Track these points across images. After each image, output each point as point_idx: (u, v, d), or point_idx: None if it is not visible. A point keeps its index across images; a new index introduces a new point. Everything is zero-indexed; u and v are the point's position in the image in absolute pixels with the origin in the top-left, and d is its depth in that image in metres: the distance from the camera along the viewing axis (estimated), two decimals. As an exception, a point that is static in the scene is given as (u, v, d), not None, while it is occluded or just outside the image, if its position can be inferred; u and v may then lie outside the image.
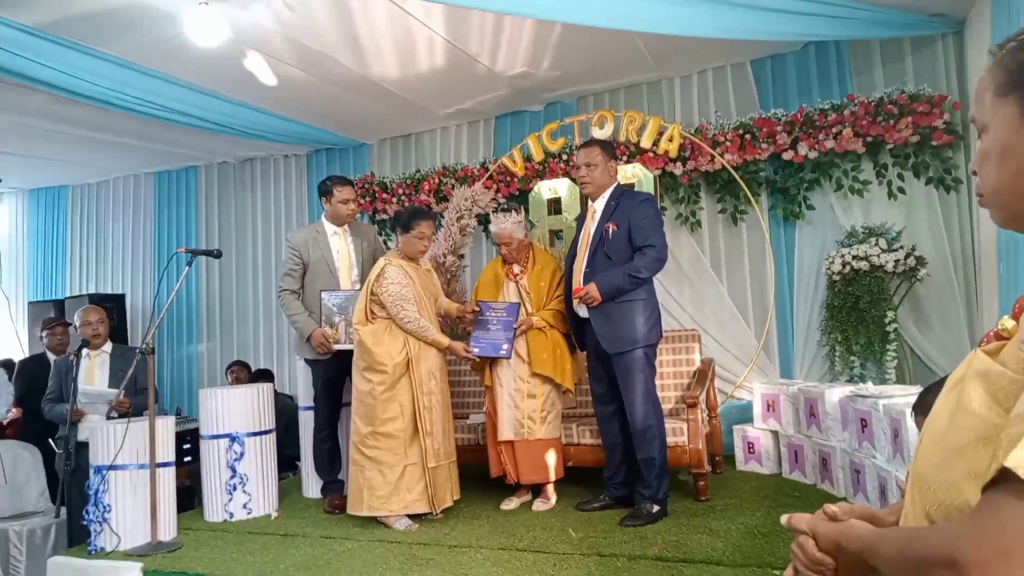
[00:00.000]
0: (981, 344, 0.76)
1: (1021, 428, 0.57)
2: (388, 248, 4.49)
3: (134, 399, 4.06)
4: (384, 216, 6.00)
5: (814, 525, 0.85)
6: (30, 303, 7.43)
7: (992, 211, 0.79)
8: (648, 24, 3.88)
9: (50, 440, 4.23)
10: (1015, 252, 3.31)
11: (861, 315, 4.27)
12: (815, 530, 0.84)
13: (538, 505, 3.76)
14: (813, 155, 4.54)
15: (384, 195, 5.97)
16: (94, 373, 4.21)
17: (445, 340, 3.72)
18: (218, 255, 3.85)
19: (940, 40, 4.43)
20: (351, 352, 3.88)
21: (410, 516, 3.60)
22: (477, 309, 3.85)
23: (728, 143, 4.71)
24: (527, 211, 4.62)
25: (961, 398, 0.71)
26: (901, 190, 4.45)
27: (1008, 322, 0.73)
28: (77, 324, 4.32)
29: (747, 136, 4.68)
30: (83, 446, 3.83)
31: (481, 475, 3.99)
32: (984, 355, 0.71)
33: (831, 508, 0.88)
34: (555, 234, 5.06)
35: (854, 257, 4.29)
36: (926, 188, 4.40)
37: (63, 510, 3.96)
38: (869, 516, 0.88)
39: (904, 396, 3.23)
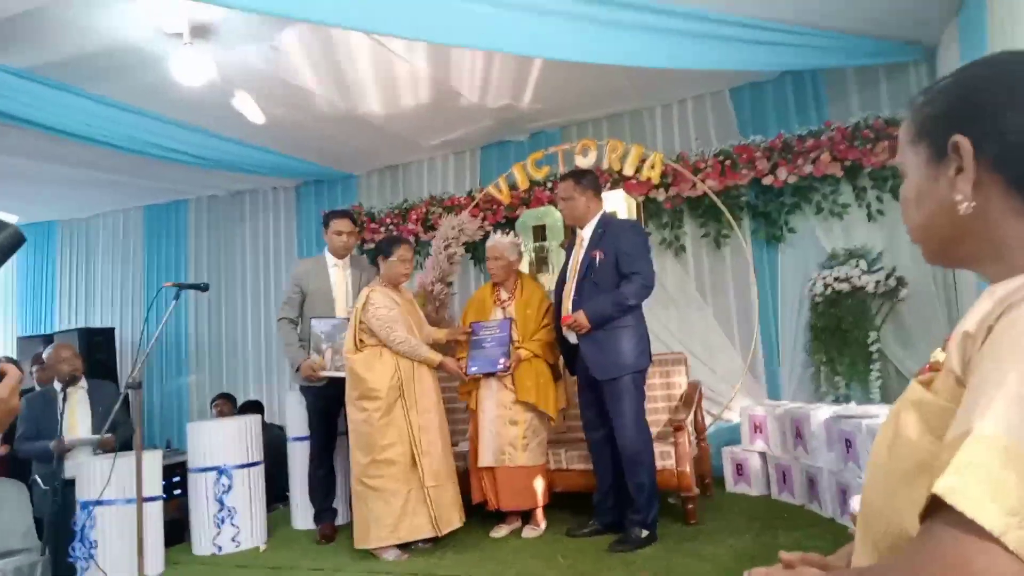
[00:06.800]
0: (918, 375, 0.80)
1: (949, 456, 0.59)
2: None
3: (117, 432, 4.05)
4: (372, 246, 6.05)
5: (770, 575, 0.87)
6: (19, 338, 7.41)
7: (921, 250, 0.85)
8: (627, 58, 3.96)
9: (36, 477, 4.20)
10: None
11: (844, 336, 4.33)
12: None
13: (527, 532, 3.75)
14: (792, 180, 4.63)
15: (372, 225, 6.03)
16: (75, 412, 4.18)
17: (437, 357, 3.76)
18: (204, 288, 3.86)
19: (912, 67, 4.55)
20: (342, 381, 3.91)
21: (401, 546, 3.58)
22: (469, 331, 3.91)
23: (709, 169, 4.80)
24: (513, 238, 4.67)
25: (898, 427, 0.74)
26: (880, 212, 4.53)
27: (940, 355, 0.77)
28: (50, 363, 4.26)
29: (727, 162, 4.77)
30: (69, 483, 3.81)
31: (470, 503, 3.98)
32: (918, 385, 0.75)
33: (787, 556, 0.88)
34: (541, 260, 5.13)
35: (835, 279, 4.36)
36: (904, 210, 4.48)
37: (47, 548, 3.91)
38: (821, 564, 0.88)
39: (887, 416, 3.26)
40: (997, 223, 0.74)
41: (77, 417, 4.17)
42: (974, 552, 0.54)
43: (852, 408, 3.73)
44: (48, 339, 6.76)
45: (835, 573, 0.80)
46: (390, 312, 3.68)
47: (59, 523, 3.81)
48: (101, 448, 3.92)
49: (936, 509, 0.58)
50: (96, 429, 4.14)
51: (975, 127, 0.74)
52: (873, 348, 4.29)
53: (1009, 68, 0.74)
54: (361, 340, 3.70)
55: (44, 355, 4.40)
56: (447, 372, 3.85)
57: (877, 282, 4.29)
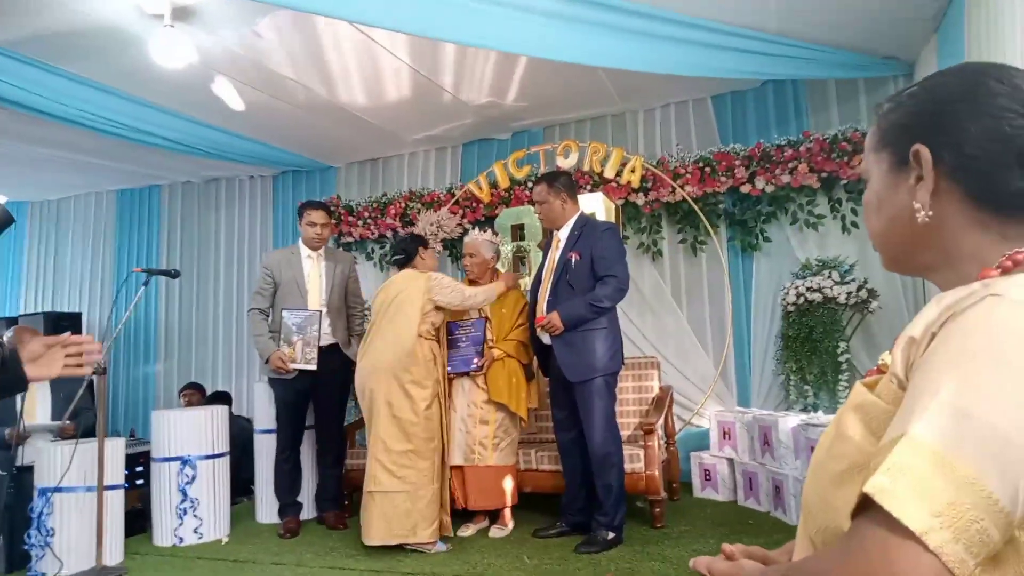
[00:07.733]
0: (865, 377, 0.80)
1: (882, 458, 0.60)
2: (359, 277, 4.57)
3: (79, 419, 3.96)
4: (349, 239, 6.00)
5: (711, 565, 0.87)
6: (-18, 320, 7.23)
7: (880, 256, 0.85)
8: (611, 60, 3.97)
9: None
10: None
11: (815, 345, 4.37)
12: (711, 569, 0.86)
13: (494, 531, 3.74)
14: (770, 189, 4.66)
15: (350, 218, 5.98)
16: (35, 397, 4.09)
17: (500, 283, 3.91)
18: (175, 275, 3.81)
19: (892, 81, 4.61)
20: (313, 373, 3.87)
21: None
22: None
23: (688, 175, 4.82)
24: (492, 237, 4.66)
25: (839, 427, 0.74)
26: (855, 224, 4.58)
27: (888, 357, 0.77)
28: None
29: (707, 169, 4.79)
30: (27, 469, 3.72)
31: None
32: (862, 387, 0.75)
33: (728, 548, 0.89)
34: (519, 260, 5.12)
35: (808, 289, 4.40)
36: (878, 223, 4.54)
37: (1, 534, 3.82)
38: (761, 556, 0.90)
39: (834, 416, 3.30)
40: (953, 233, 0.75)
41: (36, 402, 4.08)
42: (897, 550, 0.56)
43: (820, 417, 3.78)
44: (12, 322, 6.62)
45: (771, 567, 0.81)
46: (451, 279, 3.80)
47: (14, 510, 3.73)
48: (60, 436, 3.83)
49: (866, 508, 0.60)
50: (57, 415, 4.05)
51: (936, 137, 0.74)
52: (842, 358, 4.33)
53: (973, 78, 0.74)
54: (419, 334, 3.63)
55: (3, 338, 4.31)
56: (512, 285, 4.02)
57: (848, 293, 4.34)
